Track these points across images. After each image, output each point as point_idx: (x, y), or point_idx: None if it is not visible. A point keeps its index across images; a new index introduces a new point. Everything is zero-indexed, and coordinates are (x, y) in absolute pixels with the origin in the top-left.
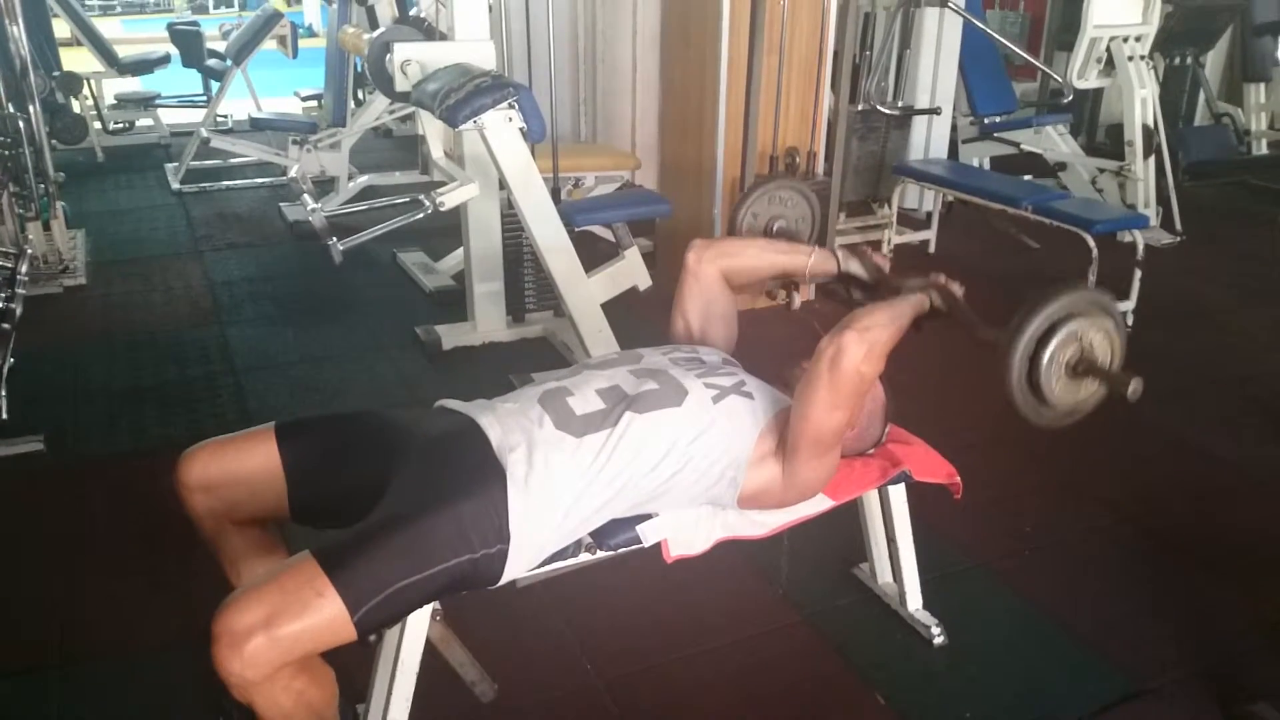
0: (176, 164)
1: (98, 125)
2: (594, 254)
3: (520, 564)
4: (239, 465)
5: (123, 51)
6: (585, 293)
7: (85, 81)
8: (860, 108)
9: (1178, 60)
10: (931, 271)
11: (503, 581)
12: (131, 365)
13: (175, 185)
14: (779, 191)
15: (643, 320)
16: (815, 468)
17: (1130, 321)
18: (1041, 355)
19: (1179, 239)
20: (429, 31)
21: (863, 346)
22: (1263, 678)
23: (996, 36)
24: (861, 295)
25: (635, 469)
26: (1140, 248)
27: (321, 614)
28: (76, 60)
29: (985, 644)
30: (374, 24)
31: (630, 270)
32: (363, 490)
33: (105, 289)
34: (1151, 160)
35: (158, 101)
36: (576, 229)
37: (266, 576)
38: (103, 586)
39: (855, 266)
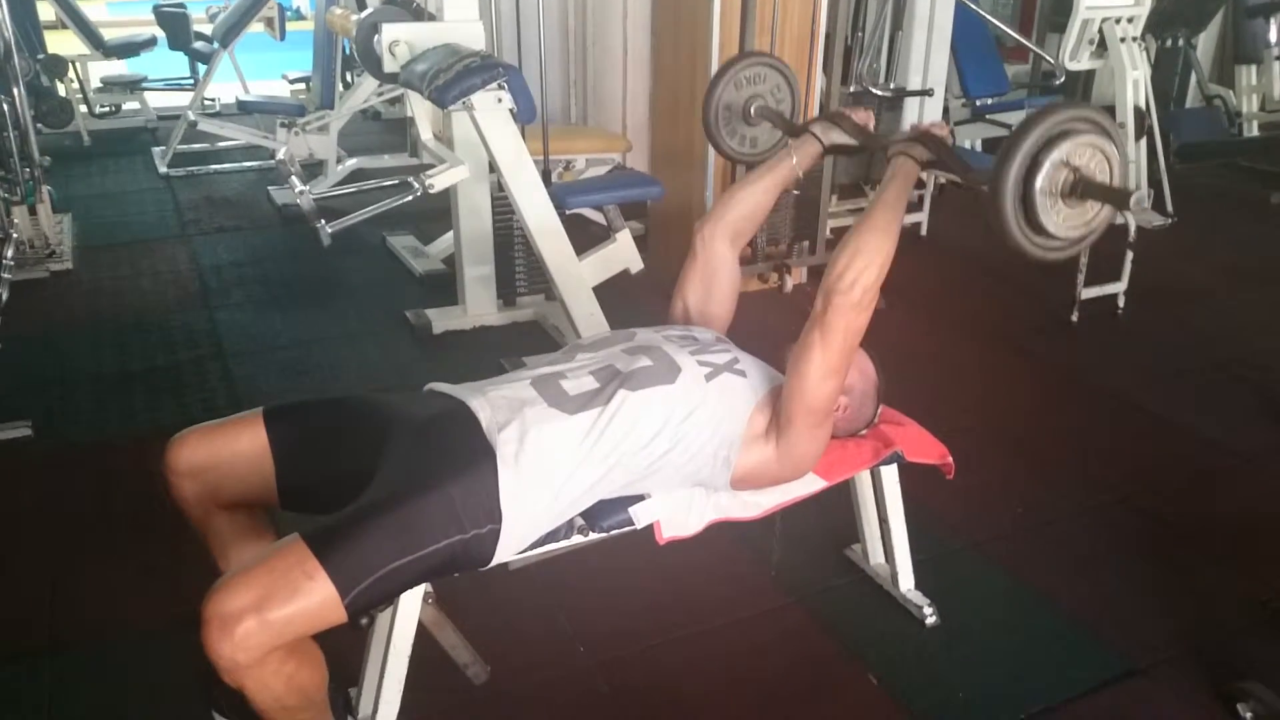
0: (164, 147)
1: (83, 109)
2: (585, 237)
3: (512, 544)
4: (227, 450)
5: (108, 34)
6: (577, 275)
7: (70, 64)
8: (852, 89)
9: (1169, 42)
10: (913, 124)
11: (494, 562)
12: (119, 350)
13: (162, 169)
14: (745, 71)
15: (634, 303)
16: (809, 440)
17: (1121, 304)
18: (1031, 190)
19: (1170, 221)
20: (417, 12)
21: (849, 304)
22: (1254, 656)
23: (988, 18)
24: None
25: (628, 446)
26: (1132, 229)
27: (312, 597)
28: (61, 43)
29: (978, 624)
30: (362, 5)
31: (622, 253)
32: (351, 475)
33: (92, 274)
34: (1143, 142)
35: (144, 85)
36: (567, 211)
37: (256, 560)
38: (91, 571)
39: (838, 135)
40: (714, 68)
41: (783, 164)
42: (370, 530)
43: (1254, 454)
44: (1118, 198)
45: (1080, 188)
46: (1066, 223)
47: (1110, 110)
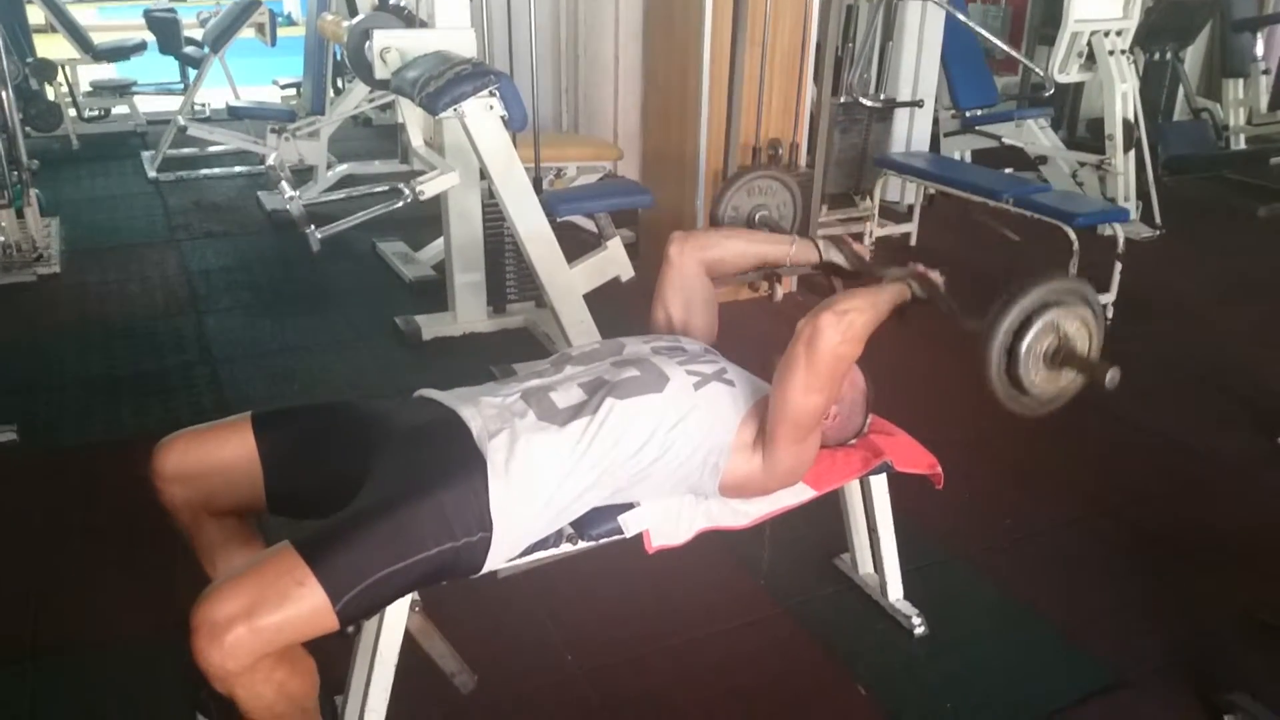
0: (153, 152)
1: (73, 112)
2: (576, 244)
3: (502, 553)
4: (214, 455)
5: (98, 38)
6: (567, 283)
7: (60, 68)
8: (842, 100)
9: (1158, 55)
10: (911, 260)
11: (484, 570)
12: (106, 354)
13: (152, 173)
14: (758, 182)
15: (625, 311)
16: (795, 453)
17: (1110, 314)
18: (1019, 346)
19: (1159, 233)
20: (409, 19)
21: (840, 327)
22: (1241, 667)
23: (978, 30)
24: (843, 285)
25: (616, 455)
26: (1120, 241)
27: (303, 604)
28: (51, 46)
29: (966, 635)
30: (353, 11)
31: (612, 261)
32: (340, 481)
33: (80, 278)
34: (1132, 154)
35: (134, 89)
36: (558, 219)
37: (245, 566)
38: (77, 577)
39: (836, 255)
40: (705, 78)
41: (780, 247)
42: (362, 537)
43: (1241, 466)
44: (1096, 371)
45: (1062, 355)
46: (1043, 385)
47: (1099, 124)
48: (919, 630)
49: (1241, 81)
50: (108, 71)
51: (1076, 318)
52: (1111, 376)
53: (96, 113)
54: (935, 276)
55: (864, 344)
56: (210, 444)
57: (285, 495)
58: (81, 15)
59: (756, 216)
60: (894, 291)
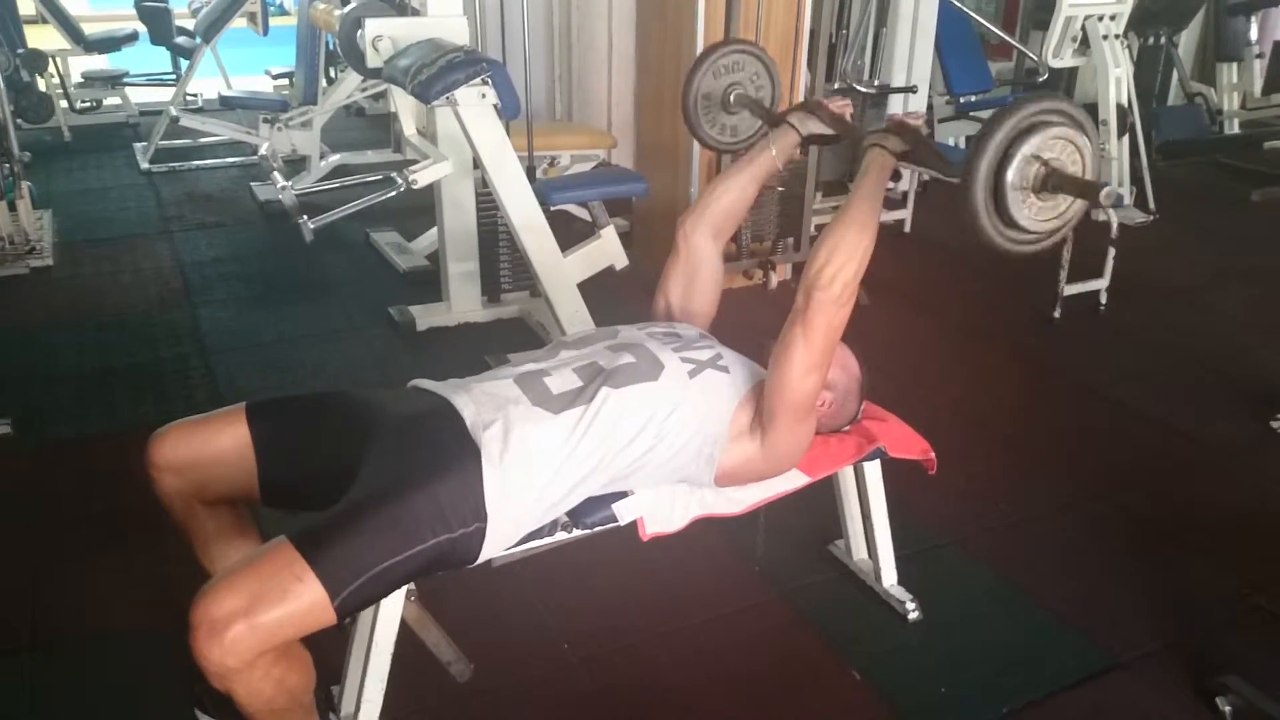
0: (145, 143)
1: (64, 104)
2: (570, 233)
3: (497, 542)
4: (209, 446)
5: (89, 28)
6: (561, 272)
7: (51, 59)
8: (836, 86)
9: (1152, 40)
10: (889, 115)
11: (480, 560)
12: (100, 347)
13: (144, 165)
14: (723, 59)
15: (619, 300)
16: (793, 435)
17: (1104, 300)
18: (1002, 182)
19: (1152, 218)
20: (401, 7)
21: (830, 299)
22: (1233, 650)
23: (973, 15)
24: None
25: (612, 444)
26: (1114, 226)
27: (301, 599)
28: (41, 37)
29: (959, 619)
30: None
31: (607, 249)
32: (334, 471)
33: (73, 270)
34: (1125, 139)
35: (126, 80)
36: (552, 208)
37: (243, 563)
38: (73, 569)
39: (815, 125)
40: None
41: (762, 155)
42: (358, 531)
43: (1235, 450)
44: (1088, 190)
45: (1052, 181)
46: (1038, 216)
47: (1093, 108)
48: (913, 615)
49: (1235, 66)
50: (99, 62)
51: (1060, 139)
52: (1106, 192)
53: (88, 104)
54: (914, 121)
55: (858, 290)
56: (205, 434)
57: (279, 486)
58: (72, 6)
59: (731, 97)
60: (877, 173)
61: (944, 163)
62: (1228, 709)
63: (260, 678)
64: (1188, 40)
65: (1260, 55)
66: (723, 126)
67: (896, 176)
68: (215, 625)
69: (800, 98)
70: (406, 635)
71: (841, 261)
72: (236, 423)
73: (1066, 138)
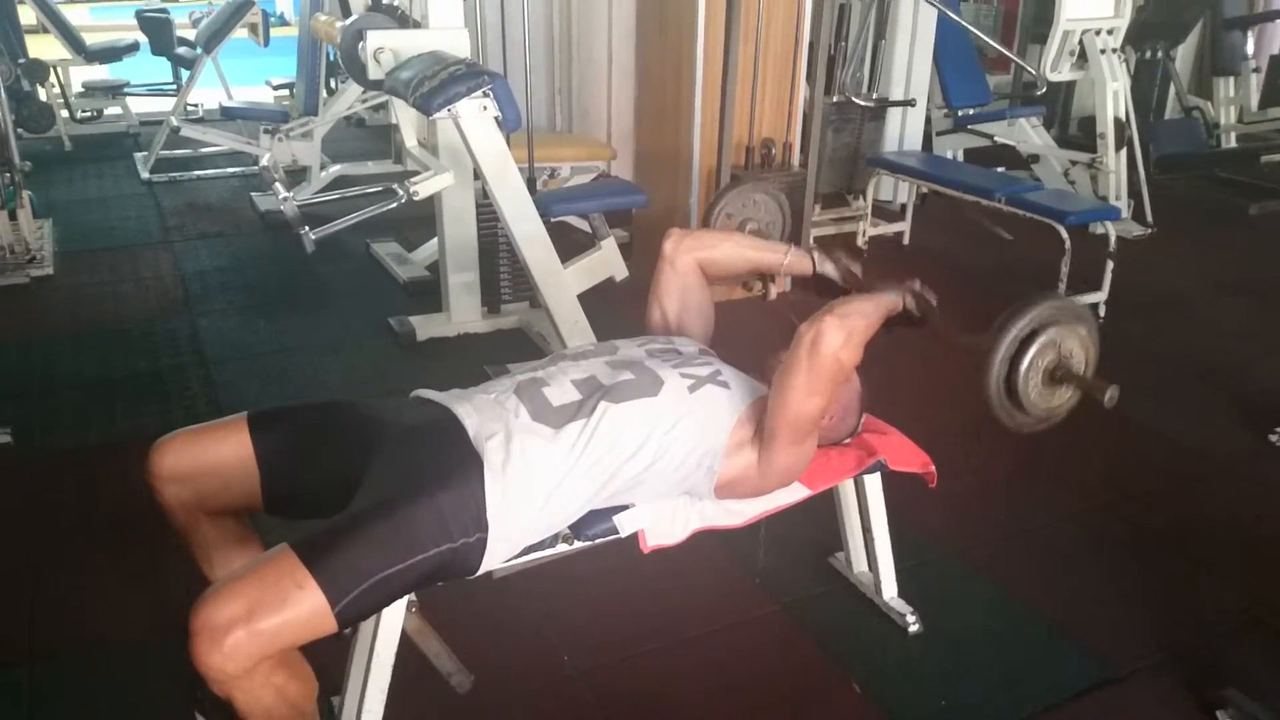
0: (146, 153)
1: (65, 114)
2: (570, 245)
3: (498, 554)
4: (210, 455)
5: (90, 39)
6: (561, 283)
7: (52, 69)
8: (835, 99)
9: (1149, 54)
10: (907, 278)
11: (480, 572)
12: (101, 356)
13: (145, 174)
14: (752, 195)
15: (619, 312)
16: (792, 454)
17: (1102, 313)
18: (1020, 362)
19: (1150, 231)
20: (402, 19)
21: (842, 333)
22: (1234, 663)
23: (971, 29)
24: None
25: (612, 459)
26: (1112, 239)
27: (302, 606)
28: (43, 47)
29: (960, 632)
30: (346, 11)
31: (607, 261)
32: (336, 481)
33: (73, 279)
34: (1123, 153)
35: (126, 90)
36: (552, 219)
37: (244, 570)
38: (73, 580)
39: (829, 269)
40: (699, 77)
41: (775, 255)
42: (360, 539)
43: (1233, 461)
44: (1095, 389)
45: (1061, 373)
46: (1040, 402)
47: (1091, 122)
48: (913, 628)
49: (1232, 80)
50: (100, 72)
51: (1074, 336)
52: (1110, 395)
53: (89, 114)
54: (930, 295)
55: (863, 350)
56: (206, 444)
57: (281, 495)
58: (73, 16)
59: (746, 229)
60: (890, 302)
61: (955, 333)
62: None
63: (260, 685)
64: (1185, 54)
65: (1257, 69)
66: None
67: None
68: (215, 631)
69: (800, 111)
70: (407, 646)
71: (857, 310)
72: (238, 432)
73: (1080, 337)
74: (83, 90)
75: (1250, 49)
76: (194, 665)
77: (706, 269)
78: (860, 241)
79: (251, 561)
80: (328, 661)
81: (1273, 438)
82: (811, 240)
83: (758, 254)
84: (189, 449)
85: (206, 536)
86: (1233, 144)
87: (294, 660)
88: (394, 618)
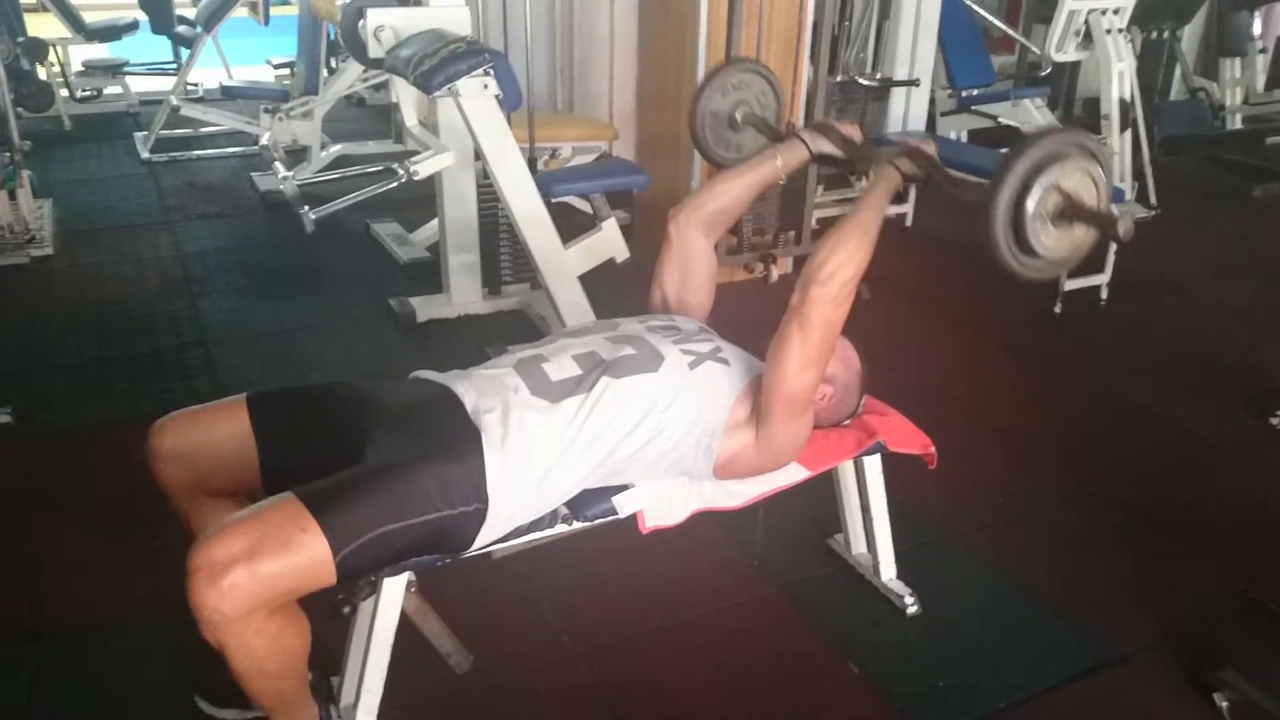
0: (146, 132)
1: (64, 93)
2: (571, 225)
3: (495, 528)
4: (210, 436)
5: (90, 17)
6: (562, 264)
7: (51, 47)
8: (839, 79)
9: (1155, 34)
10: (900, 141)
11: (476, 547)
12: (100, 337)
13: (145, 154)
14: (729, 78)
15: (620, 293)
16: (789, 430)
17: (1105, 295)
18: (1023, 212)
19: (1154, 212)
20: None
21: (829, 294)
22: (1230, 644)
23: (975, 8)
24: (836, 166)
25: (611, 434)
26: None
27: (304, 551)
28: (42, 25)
29: (958, 614)
30: None
31: (608, 242)
32: (334, 461)
33: (73, 259)
34: (1128, 134)
35: (126, 69)
36: (553, 200)
37: (248, 512)
38: (73, 560)
39: (825, 145)
40: (701, 57)
41: (767, 163)
42: (364, 493)
43: (1235, 445)
44: (1106, 223)
45: (1069, 212)
46: (1055, 245)
47: (1095, 102)
48: (912, 610)
49: (1238, 61)
50: (99, 51)
51: (1079, 171)
52: (1125, 228)
53: (89, 93)
54: (928, 148)
55: (854, 293)
56: (205, 425)
57: (280, 476)
58: None
59: (739, 115)
60: (883, 190)
61: (957, 186)
62: (1224, 704)
63: (254, 632)
64: (1190, 35)
65: (1263, 50)
66: (729, 144)
67: (900, 199)
68: (214, 568)
69: (804, 92)
70: (406, 627)
71: (841, 260)
72: (237, 413)
73: (1086, 170)
74: (82, 69)
75: (1257, 30)
76: (190, 604)
77: (714, 221)
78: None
79: (255, 505)
80: (328, 641)
81: (1274, 421)
82: (813, 222)
83: (751, 173)
84: (188, 430)
85: (205, 517)
86: (1238, 125)
87: (290, 612)
88: (394, 597)
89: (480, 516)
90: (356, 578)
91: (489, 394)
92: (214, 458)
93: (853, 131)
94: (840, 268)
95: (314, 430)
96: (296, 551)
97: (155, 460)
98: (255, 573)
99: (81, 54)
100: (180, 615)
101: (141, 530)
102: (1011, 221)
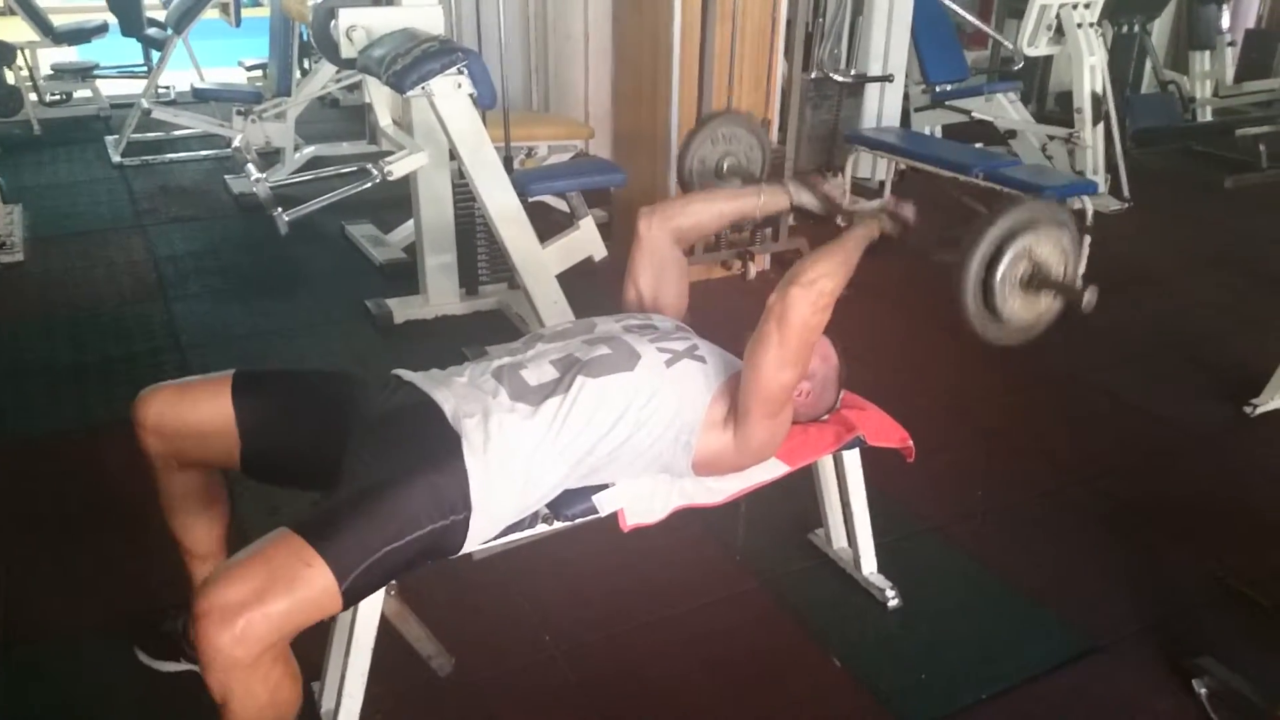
0: (117, 136)
1: (33, 97)
2: (548, 224)
3: (480, 532)
4: (191, 416)
5: (58, 20)
6: (540, 263)
7: (19, 51)
8: (813, 75)
9: (1125, 28)
10: (883, 198)
11: (462, 551)
12: (73, 342)
13: (116, 158)
14: (720, 129)
15: (598, 291)
16: (767, 428)
17: (1080, 286)
18: (993, 274)
19: (1127, 205)
20: None
21: (809, 299)
22: (1209, 630)
23: (948, 4)
24: (814, 222)
25: (590, 433)
26: (1089, 214)
27: (312, 585)
28: (9, 29)
29: (939, 606)
30: None
31: (585, 240)
32: (315, 450)
33: (44, 265)
34: (1100, 127)
35: (96, 72)
36: (530, 199)
37: (247, 553)
38: (46, 567)
39: (806, 199)
40: (676, 55)
41: (749, 199)
42: (359, 516)
43: (1209, 434)
44: (1073, 294)
45: (1038, 280)
46: (1021, 310)
47: (1068, 96)
48: (893, 603)
49: (1208, 54)
50: (69, 54)
51: (1050, 241)
52: (1088, 298)
53: (58, 97)
54: (906, 211)
55: (831, 309)
56: (190, 403)
57: (259, 460)
58: None
59: (725, 165)
60: (862, 236)
61: (934, 249)
62: (1203, 690)
63: (260, 679)
64: (1160, 29)
65: (1232, 43)
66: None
67: (873, 251)
68: (226, 612)
69: (778, 88)
70: (387, 630)
71: (824, 271)
72: (221, 394)
73: (1057, 242)
74: (51, 73)
75: (1225, 23)
76: (199, 649)
77: (683, 235)
78: (838, 219)
79: (252, 546)
80: (308, 647)
81: (1248, 409)
82: (790, 219)
83: (731, 203)
84: (172, 405)
85: (176, 489)
86: (1208, 118)
87: (289, 659)
88: (373, 601)
89: (465, 524)
90: (360, 600)
91: (468, 400)
92: (194, 436)
93: (834, 191)
94: (822, 277)
95: (295, 419)
96: (304, 587)
97: (138, 428)
98: (267, 614)
99: (50, 57)
100: (193, 623)
101: (116, 535)
102: (982, 282)
